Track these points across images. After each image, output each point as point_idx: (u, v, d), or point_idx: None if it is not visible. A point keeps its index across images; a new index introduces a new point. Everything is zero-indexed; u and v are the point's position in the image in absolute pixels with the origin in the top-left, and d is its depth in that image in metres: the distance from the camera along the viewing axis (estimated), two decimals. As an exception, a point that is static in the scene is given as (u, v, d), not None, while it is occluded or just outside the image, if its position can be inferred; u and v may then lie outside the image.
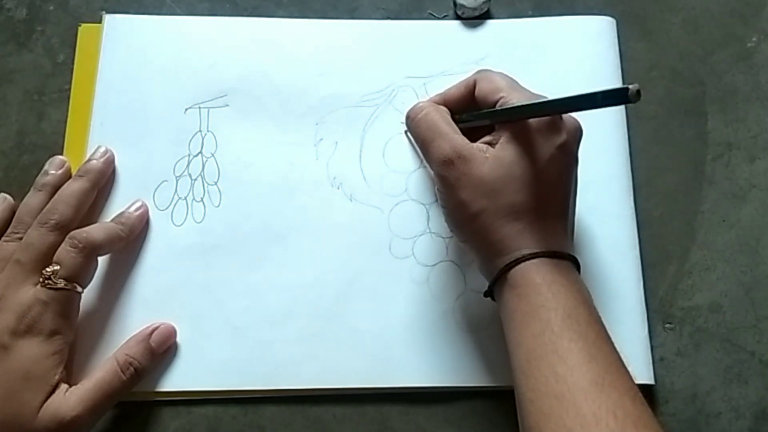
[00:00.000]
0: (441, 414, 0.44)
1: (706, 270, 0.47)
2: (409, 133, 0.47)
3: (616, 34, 0.51)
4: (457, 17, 0.52)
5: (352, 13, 0.52)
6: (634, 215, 0.47)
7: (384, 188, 0.48)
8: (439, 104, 0.44)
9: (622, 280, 0.46)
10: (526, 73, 0.50)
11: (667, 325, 0.46)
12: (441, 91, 0.46)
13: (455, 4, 0.51)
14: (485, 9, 0.51)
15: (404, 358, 0.44)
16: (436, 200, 0.47)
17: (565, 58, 0.50)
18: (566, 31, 0.51)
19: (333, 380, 0.44)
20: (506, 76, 0.42)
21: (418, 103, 0.44)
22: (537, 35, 0.51)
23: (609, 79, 0.50)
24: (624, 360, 0.44)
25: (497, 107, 0.40)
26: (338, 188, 0.48)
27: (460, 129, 0.41)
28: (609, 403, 0.33)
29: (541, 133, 0.39)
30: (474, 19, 0.51)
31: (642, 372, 0.44)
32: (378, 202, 0.47)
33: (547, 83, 0.49)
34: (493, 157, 0.39)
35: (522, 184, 0.38)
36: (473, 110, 0.42)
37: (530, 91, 0.41)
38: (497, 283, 0.39)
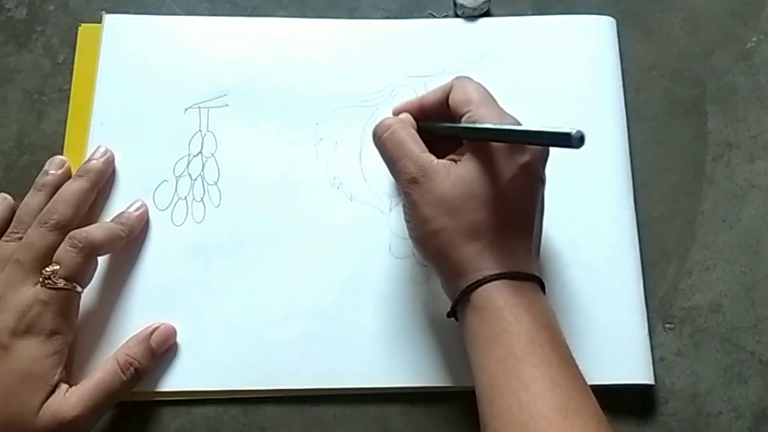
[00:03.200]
0: (441, 414, 0.44)
1: (706, 270, 0.47)
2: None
3: (616, 34, 0.51)
4: (457, 17, 0.52)
5: (352, 13, 0.52)
6: (634, 215, 0.47)
7: (384, 188, 0.48)
8: (416, 108, 0.43)
9: (622, 280, 0.46)
10: (525, 72, 0.50)
11: (667, 325, 0.46)
12: (417, 95, 0.45)
13: (455, 4, 0.51)
14: (485, 9, 0.51)
15: (404, 358, 0.44)
16: None
17: (564, 57, 0.50)
18: (566, 31, 0.51)
19: (333, 380, 0.44)
20: (481, 88, 0.41)
21: (385, 119, 0.42)
22: (537, 34, 0.51)
23: (609, 79, 0.50)
24: (624, 360, 0.44)
25: (463, 121, 0.40)
26: (338, 188, 0.48)
27: (428, 141, 0.41)
28: (573, 430, 0.33)
29: (503, 152, 0.38)
30: (474, 18, 0.51)
31: (642, 372, 0.44)
32: (378, 202, 0.47)
33: (547, 82, 0.50)
34: (455, 174, 0.38)
35: (482, 203, 0.38)
36: (448, 116, 0.42)
37: (501, 109, 0.40)
38: (459, 304, 0.39)
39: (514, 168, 0.38)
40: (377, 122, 0.42)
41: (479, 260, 0.38)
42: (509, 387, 0.35)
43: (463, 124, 0.39)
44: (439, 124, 0.42)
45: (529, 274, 0.38)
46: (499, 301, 0.37)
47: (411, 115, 0.43)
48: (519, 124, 0.39)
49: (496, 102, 0.41)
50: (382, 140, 0.41)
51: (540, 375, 0.35)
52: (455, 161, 0.39)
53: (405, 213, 0.41)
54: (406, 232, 0.41)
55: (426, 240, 0.39)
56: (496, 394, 0.35)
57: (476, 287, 0.37)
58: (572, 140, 0.33)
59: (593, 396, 0.36)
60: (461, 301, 0.38)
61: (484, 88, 0.41)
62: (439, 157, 0.40)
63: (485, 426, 0.36)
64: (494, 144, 0.38)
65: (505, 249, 0.38)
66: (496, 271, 0.37)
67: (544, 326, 0.37)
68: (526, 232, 0.39)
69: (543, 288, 0.39)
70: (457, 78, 0.42)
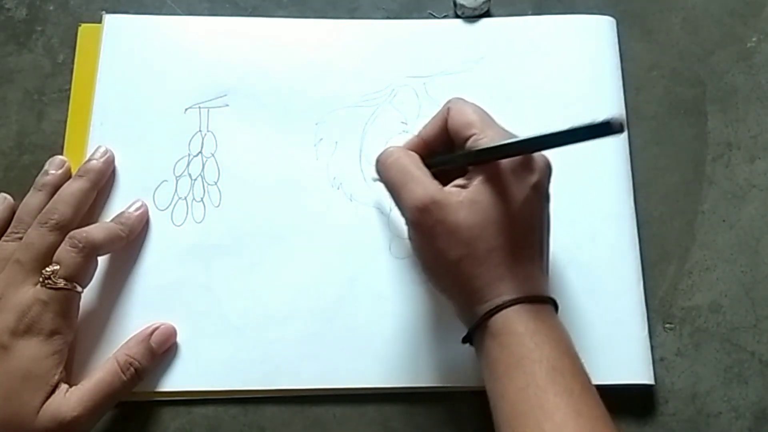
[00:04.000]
0: (441, 414, 0.44)
1: (706, 270, 0.47)
2: (380, 179, 0.42)
3: (616, 34, 0.51)
4: (457, 17, 0.52)
5: (352, 13, 0.52)
6: (634, 215, 0.47)
7: (384, 188, 0.48)
8: (417, 145, 0.42)
9: (622, 280, 0.46)
10: (525, 72, 0.50)
11: (667, 325, 0.46)
12: (417, 131, 0.42)
13: (455, 4, 0.51)
14: (485, 9, 0.51)
15: (404, 358, 0.44)
16: None
17: (564, 57, 0.50)
18: (566, 31, 0.51)
19: (333, 380, 0.44)
20: (478, 108, 0.40)
21: (389, 147, 0.41)
22: (537, 34, 0.51)
23: (609, 79, 0.50)
24: (624, 360, 0.44)
25: (469, 144, 0.38)
26: (338, 188, 0.48)
27: (433, 172, 0.39)
28: None
29: (516, 173, 0.37)
30: (474, 18, 0.51)
31: (642, 372, 0.44)
32: (378, 202, 0.47)
33: (547, 82, 0.50)
34: (468, 201, 0.37)
35: (499, 229, 0.37)
36: (451, 144, 0.40)
37: (502, 127, 0.39)
38: (477, 330, 0.38)
39: (527, 190, 0.37)
40: (380, 152, 0.41)
41: (497, 286, 0.37)
42: (532, 416, 0.34)
43: (481, 146, 0.38)
44: (451, 155, 0.40)
45: (546, 297, 0.38)
46: (519, 327, 0.36)
47: (416, 152, 0.41)
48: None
49: (494, 120, 0.40)
50: (386, 165, 0.40)
51: (563, 404, 0.34)
52: (463, 186, 0.38)
53: (414, 246, 0.40)
54: (407, 233, 0.40)
55: (444, 272, 0.38)
56: (518, 423, 0.35)
57: (495, 313, 0.36)
58: (613, 127, 0.31)
59: (613, 424, 0.35)
60: (479, 327, 0.37)
61: (481, 108, 0.40)
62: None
63: None
64: (506, 167, 0.37)
65: (521, 272, 0.37)
66: (515, 296, 0.36)
67: (564, 352, 0.36)
68: (538, 253, 0.38)
69: (557, 308, 0.39)
70: (451, 101, 0.41)
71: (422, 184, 0.38)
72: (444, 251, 0.37)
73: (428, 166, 0.40)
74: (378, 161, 0.41)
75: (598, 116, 0.32)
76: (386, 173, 0.40)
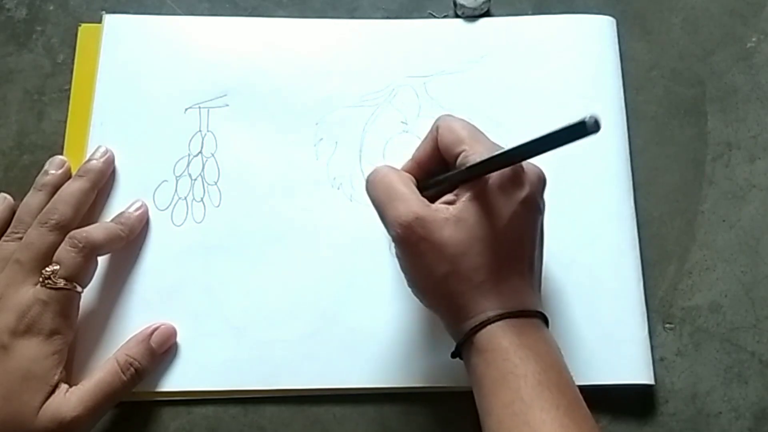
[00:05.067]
0: (441, 414, 0.44)
1: (706, 270, 0.47)
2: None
3: (616, 34, 0.51)
4: (457, 17, 0.52)
5: (352, 13, 0.52)
6: (634, 215, 0.47)
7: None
8: (412, 168, 0.41)
9: (622, 280, 0.46)
10: (525, 72, 0.50)
11: (667, 325, 0.46)
12: (410, 154, 0.42)
13: (455, 4, 0.51)
14: (485, 9, 0.51)
15: (404, 358, 0.44)
16: None
17: (564, 57, 0.50)
18: (566, 30, 0.51)
19: (333, 380, 0.44)
20: (467, 123, 0.39)
21: (378, 166, 0.40)
22: (537, 34, 0.51)
23: (609, 79, 0.50)
24: (624, 360, 0.44)
25: (459, 160, 0.38)
26: (338, 188, 0.48)
27: (430, 195, 0.39)
28: None
29: (504, 189, 0.37)
30: (474, 18, 0.51)
31: (642, 372, 0.44)
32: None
33: (547, 82, 0.50)
34: (454, 218, 0.37)
35: (485, 246, 0.36)
36: (446, 164, 0.40)
37: (491, 141, 0.39)
38: (464, 346, 0.37)
39: (515, 205, 0.37)
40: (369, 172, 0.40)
41: (482, 301, 0.37)
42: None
43: (470, 162, 0.37)
44: (443, 175, 0.40)
45: (533, 311, 0.37)
46: (504, 342, 0.36)
47: (411, 175, 0.41)
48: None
49: (484, 134, 0.39)
50: (372, 183, 0.40)
51: (549, 419, 0.34)
52: (450, 203, 0.38)
53: (400, 263, 0.39)
54: (393, 250, 0.39)
55: (429, 289, 0.38)
56: None
57: (480, 329, 0.36)
58: (588, 127, 0.31)
59: None
60: (465, 343, 0.37)
61: (470, 123, 0.40)
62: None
63: None
64: (494, 183, 0.37)
65: (508, 288, 0.37)
66: (500, 312, 0.36)
67: (550, 366, 0.36)
68: (528, 268, 0.38)
69: (546, 322, 0.38)
70: (440, 119, 0.40)
71: (406, 201, 0.38)
72: (429, 268, 0.37)
73: (424, 188, 0.39)
74: (367, 180, 0.40)
75: (573, 118, 0.31)
76: (372, 191, 0.40)
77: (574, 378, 0.37)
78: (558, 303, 0.45)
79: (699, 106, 0.51)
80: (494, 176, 0.37)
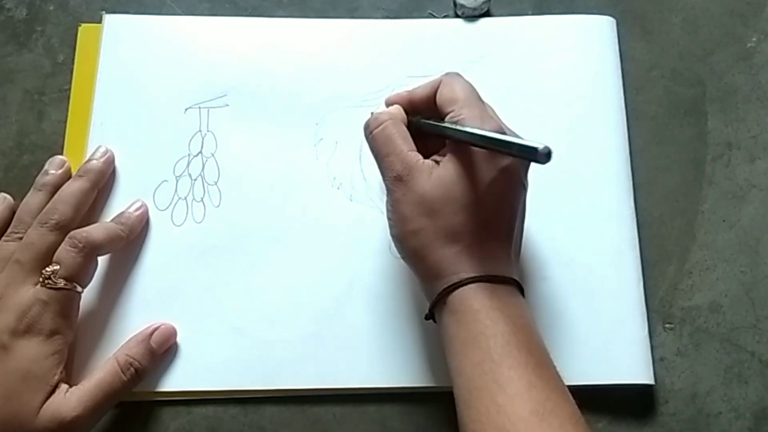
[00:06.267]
0: (441, 414, 0.44)
1: (706, 270, 0.47)
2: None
3: (616, 34, 0.51)
4: (457, 17, 0.52)
5: (352, 13, 0.52)
6: (634, 215, 0.47)
7: (384, 188, 0.48)
8: (404, 99, 0.43)
9: (622, 280, 0.46)
10: (525, 72, 0.50)
11: (667, 325, 0.46)
12: (409, 88, 0.44)
13: (455, 4, 0.51)
14: (485, 9, 0.51)
15: (404, 358, 0.44)
16: None
17: (564, 57, 0.50)
18: (566, 30, 0.51)
19: (333, 380, 0.44)
20: (468, 87, 0.40)
21: (378, 114, 0.42)
22: (537, 34, 0.51)
23: (609, 79, 0.50)
24: (624, 360, 0.44)
25: (446, 119, 0.39)
26: (338, 188, 0.48)
27: (412, 131, 0.41)
28: (549, 431, 0.33)
29: (484, 154, 0.37)
30: (474, 18, 0.51)
31: (642, 372, 0.44)
32: (378, 203, 0.47)
33: (547, 82, 0.50)
34: (435, 175, 0.38)
35: (461, 206, 0.37)
36: (436, 112, 0.41)
37: (485, 111, 0.39)
38: (437, 306, 0.38)
39: (494, 171, 0.37)
40: (369, 117, 0.42)
41: (456, 263, 0.37)
42: (486, 390, 0.35)
43: (442, 124, 0.39)
44: (425, 120, 0.41)
45: (507, 278, 0.38)
46: (475, 304, 0.37)
47: (402, 108, 0.42)
48: (501, 129, 0.38)
49: (481, 103, 0.40)
50: (372, 135, 0.41)
51: (516, 377, 0.35)
52: (438, 162, 0.39)
53: (387, 210, 0.41)
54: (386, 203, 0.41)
55: (404, 239, 0.39)
56: (473, 396, 0.35)
57: (453, 290, 0.37)
58: (539, 155, 0.33)
59: (571, 397, 0.36)
60: (438, 303, 0.38)
61: (471, 88, 0.41)
62: (428, 154, 0.40)
63: (464, 429, 0.36)
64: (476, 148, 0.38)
65: (483, 252, 0.38)
66: (473, 275, 0.37)
67: (520, 328, 0.36)
68: (505, 236, 0.39)
69: (522, 292, 0.39)
70: (447, 74, 0.42)
71: (402, 155, 0.39)
72: (408, 219, 0.38)
73: (411, 124, 0.41)
74: (366, 127, 0.42)
75: (535, 141, 0.33)
76: (372, 142, 0.41)
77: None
78: (558, 303, 0.45)
79: (699, 106, 0.51)
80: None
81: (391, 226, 0.40)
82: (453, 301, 0.37)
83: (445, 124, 0.39)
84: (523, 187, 0.39)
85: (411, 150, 0.40)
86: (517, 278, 0.39)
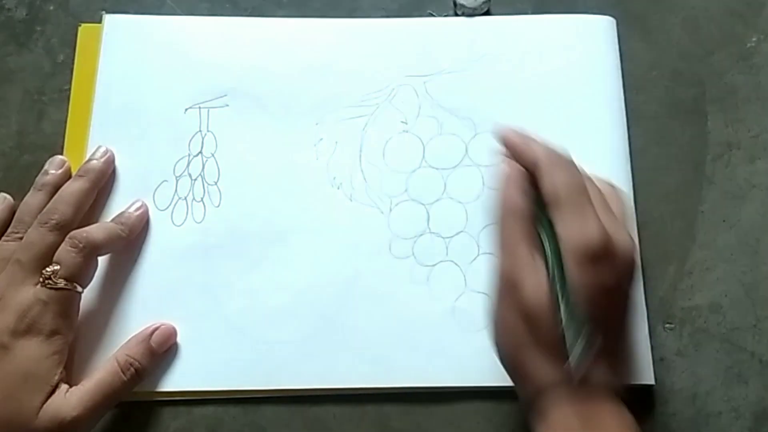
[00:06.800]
0: (441, 414, 0.44)
1: (706, 270, 0.47)
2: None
3: (616, 34, 0.51)
4: (457, 17, 0.52)
5: (352, 13, 0.52)
6: (633, 215, 0.47)
7: (384, 188, 0.48)
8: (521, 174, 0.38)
9: (622, 280, 0.46)
10: (525, 72, 0.50)
11: (667, 326, 0.46)
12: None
13: (455, 3, 0.51)
14: (485, 9, 0.51)
15: (404, 358, 0.44)
16: (437, 200, 0.47)
17: (564, 56, 0.50)
18: (566, 30, 0.51)
19: (333, 380, 0.44)
20: (571, 180, 0.36)
21: (510, 191, 0.37)
22: (537, 34, 0.51)
23: (609, 79, 0.50)
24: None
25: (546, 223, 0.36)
26: (338, 188, 0.48)
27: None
28: None
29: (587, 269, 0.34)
30: (474, 18, 0.51)
31: (642, 372, 0.44)
32: (378, 202, 0.47)
33: (547, 82, 0.50)
34: (537, 280, 0.35)
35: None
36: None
37: (588, 213, 0.35)
38: (531, 412, 0.37)
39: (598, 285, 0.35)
40: (502, 184, 0.38)
41: (552, 371, 0.35)
42: None
43: (543, 241, 0.37)
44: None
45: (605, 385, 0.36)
46: (574, 421, 0.35)
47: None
48: (604, 240, 0.35)
49: (584, 200, 0.36)
50: (501, 220, 0.38)
51: None
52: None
53: (489, 308, 0.38)
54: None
55: (503, 343, 0.38)
56: None
57: (546, 399, 0.35)
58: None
59: None
60: (532, 410, 0.36)
61: (577, 179, 0.36)
62: None
63: None
64: (574, 260, 0.35)
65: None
66: (568, 389, 0.35)
67: None
68: (613, 342, 0.37)
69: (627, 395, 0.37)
70: (549, 154, 0.37)
71: (513, 260, 0.36)
72: (507, 324, 0.37)
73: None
74: (498, 202, 0.38)
75: None
76: (497, 226, 0.38)
77: None
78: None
79: (699, 106, 0.51)
80: (578, 252, 0.35)
81: (490, 327, 0.38)
82: (546, 411, 0.36)
83: (544, 242, 0.36)
84: (626, 296, 0.37)
85: (527, 254, 0.36)
86: (627, 381, 0.36)
